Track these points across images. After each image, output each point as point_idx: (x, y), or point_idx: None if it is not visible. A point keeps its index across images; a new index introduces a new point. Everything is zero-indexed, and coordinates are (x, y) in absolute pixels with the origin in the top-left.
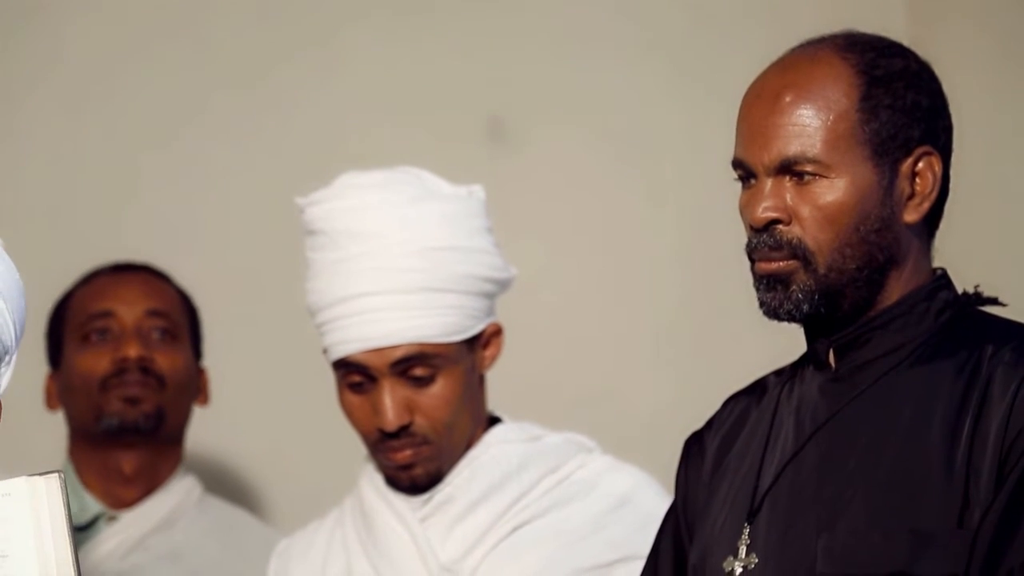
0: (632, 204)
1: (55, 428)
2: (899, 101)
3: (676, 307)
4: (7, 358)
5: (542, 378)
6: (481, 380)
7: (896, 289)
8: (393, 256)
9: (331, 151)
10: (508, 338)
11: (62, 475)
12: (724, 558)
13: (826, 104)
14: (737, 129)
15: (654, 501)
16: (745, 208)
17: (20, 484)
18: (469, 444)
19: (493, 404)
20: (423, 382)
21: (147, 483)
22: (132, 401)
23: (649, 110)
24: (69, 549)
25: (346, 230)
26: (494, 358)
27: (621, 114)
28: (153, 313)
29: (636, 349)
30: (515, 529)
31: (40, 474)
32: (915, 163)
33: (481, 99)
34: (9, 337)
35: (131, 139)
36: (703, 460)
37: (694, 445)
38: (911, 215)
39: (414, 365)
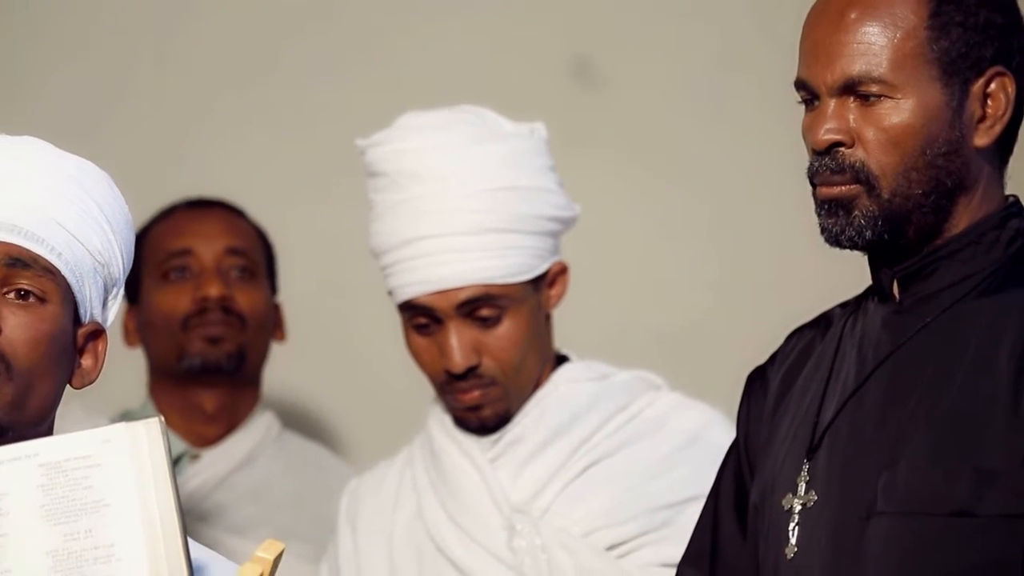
0: (715, 142)
1: (135, 364)
2: (971, 18)
3: (753, 246)
4: (114, 291)
5: (619, 318)
6: (547, 319)
7: (964, 217)
8: (456, 197)
9: (410, 92)
10: (589, 277)
11: (162, 421)
12: (784, 495)
13: (893, 21)
14: (800, 48)
15: (725, 438)
16: (807, 131)
17: (120, 431)
18: (537, 384)
19: (570, 345)
20: (489, 323)
21: (228, 421)
22: (214, 341)
23: (731, 52)
24: (171, 495)
25: (408, 171)
26: (560, 297)
27: (707, 55)
28: (232, 251)
29: (712, 288)
30: (585, 468)
31: (140, 420)
32: (987, 84)
33: (566, 38)
34: (118, 269)
35: (208, 83)
36: (765, 395)
37: (756, 380)
38: (981, 139)
39: (480, 306)
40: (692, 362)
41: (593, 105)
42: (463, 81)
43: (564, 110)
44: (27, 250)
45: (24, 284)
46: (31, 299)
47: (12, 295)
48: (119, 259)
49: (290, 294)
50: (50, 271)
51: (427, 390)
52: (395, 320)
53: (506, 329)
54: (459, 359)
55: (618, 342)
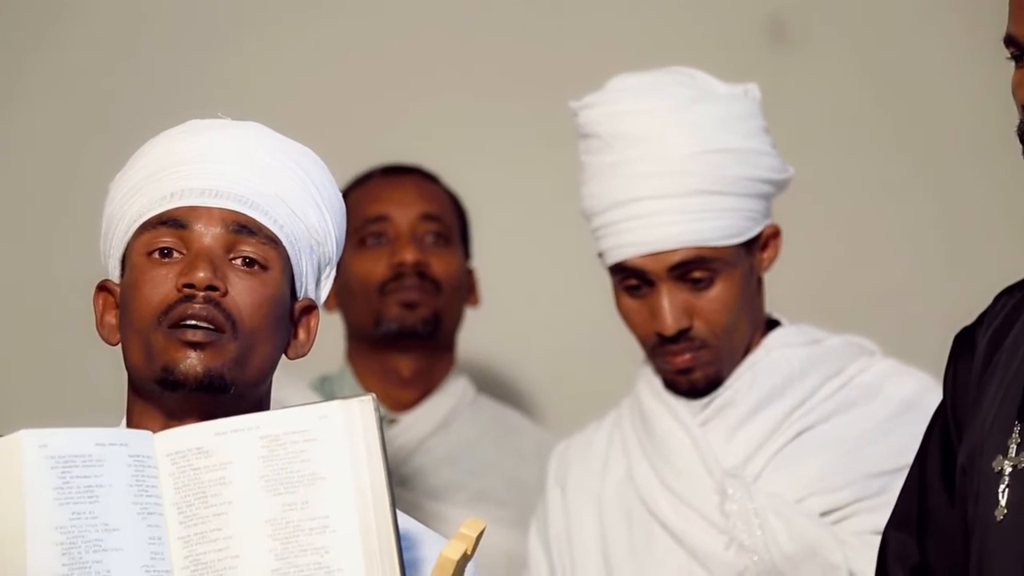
0: (916, 104)
1: (333, 329)
2: None
3: (962, 207)
4: (327, 270)
5: (827, 280)
6: (759, 283)
7: None
8: (669, 159)
9: (609, 55)
10: (792, 239)
11: (375, 398)
12: (993, 457)
13: None
14: (1011, 2)
15: None
16: (1017, 88)
17: (335, 407)
18: (748, 348)
19: (778, 307)
20: (701, 286)
21: (423, 386)
22: (410, 306)
23: (928, 17)
24: (383, 471)
25: (620, 133)
26: (772, 260)
27: (901, 21)
28: (427, 217)
29: (923, 249)
30: (798, 434)
31: (354, 397)
32: None
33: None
34: (331, 249)
35: (407, 52)
36: (973, 357)
37: (964, 342)
38: None
39: (692, 269)
40: (897, 324)
41: (790, 67)
42: (660, 43)
43: (761, 72)
44: (253, 219)
45: (248, 251)
46: (255, 267)
47: (238, 262)
48: (332, 239)
49: (484, 259)
50: (273, 240)
51: (619, 354)
52: (587, 284)
53: (718, 292)
54: (671, 321)
55: (825, 304)
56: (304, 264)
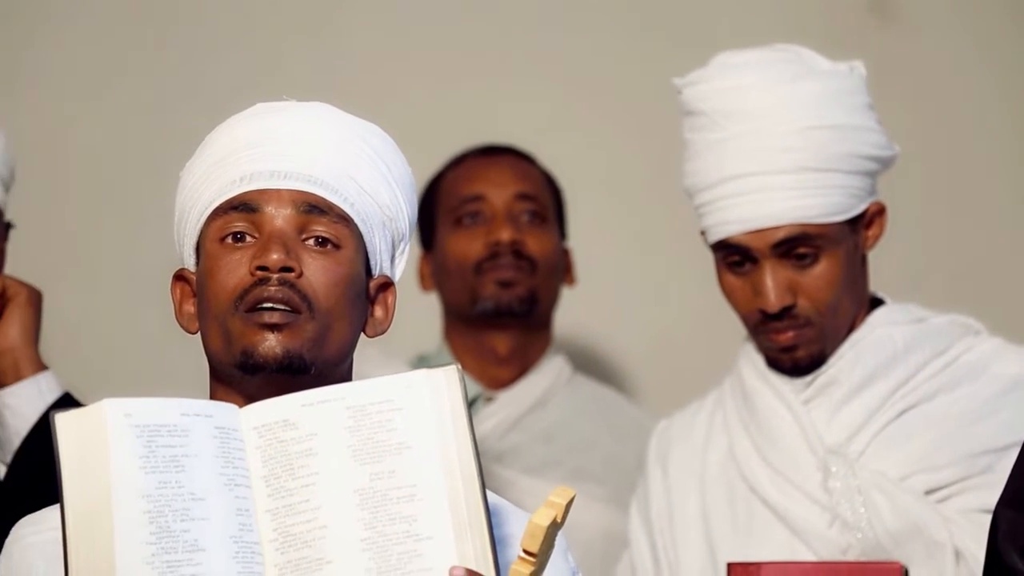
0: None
1: (430, 309)
2: None
3: None
4: (401, 246)
5: (932, 258)
6: (864, 260)
7: None
8: (773, 136)
9: (707, 31)
10: (897, 217)
11: (460, 368)
12: None
13: None
14: None
15: None
16: None
17: (420, 377)
18: (852, 326)
19: (882, 286)
20: (805, 263)
21: (520, 364)
22: (506, 284)
23: None
24: (469, 440)
25: (725, 110)
26: (877, 238)
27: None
28: (522, 196)
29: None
30: (902, 412)
31: (439, 367)
32: None
33: None
34: (404, 225)
35: (503, 31)
36: None
37: None
38: None
39: (796, 246)
40: (1004, 303)
41: (894, 43)
42: (763, 20)
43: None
44: (323, 198)
45: (320, 231)
46: (328, 246)
47: (311, 242)
48: (404, 215)
49: (581, 239)
50: (344, 218)
51: (715, 331)
52: (684, 262)
53: (822, 269)
54: (774, 299)
55: (929, 283)
56: (377, 241)
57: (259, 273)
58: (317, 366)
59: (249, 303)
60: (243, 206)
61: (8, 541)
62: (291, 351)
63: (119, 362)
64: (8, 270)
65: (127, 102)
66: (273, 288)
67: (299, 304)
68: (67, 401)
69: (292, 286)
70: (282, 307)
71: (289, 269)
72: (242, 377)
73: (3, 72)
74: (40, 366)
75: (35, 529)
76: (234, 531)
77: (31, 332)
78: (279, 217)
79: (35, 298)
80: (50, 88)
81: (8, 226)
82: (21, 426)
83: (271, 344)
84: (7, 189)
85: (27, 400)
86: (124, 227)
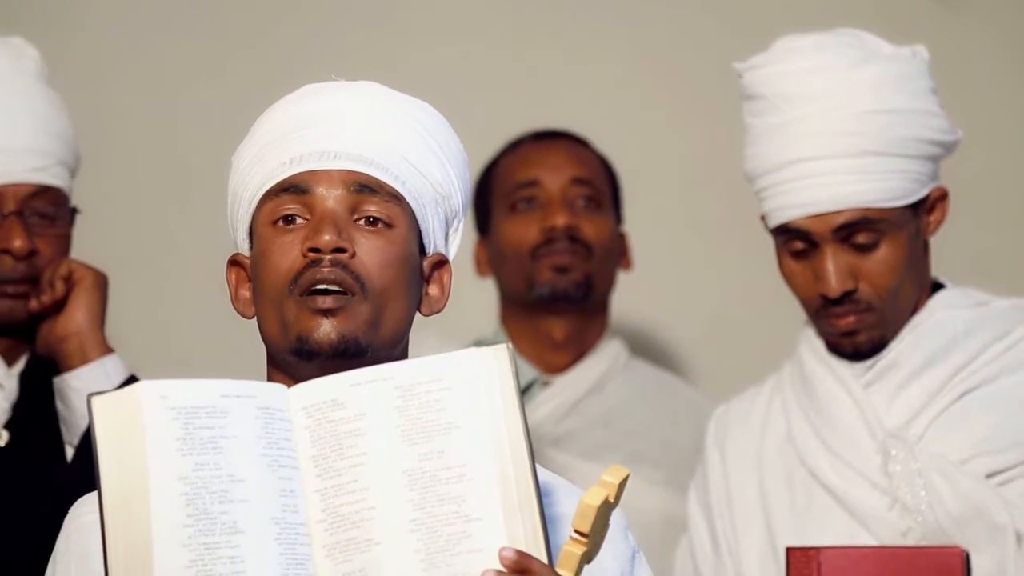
0: None
1: (487, 294)
2: None
3: None
4: (455, 223)
5: (994, 243)
6: (925, 245)
7: None
8: (835, 120)
9: (766, 15)
10: (959, 202)
11: (510, 347)
12: None
13: None
14: None
15: None
16: None
17: (470, 355)
18: (913, 310)
19: (943, 271)
20: (867, 248)
21: (577, 348)
22: (562, 270)
23: None
24: (519, 419)
25: (786, 94)
26: (939, 223)
27: None
28: (578, 181)
29: None
30: (962, 395)
31: (488, 346)
32: None
33: None
34: (457, 202)
35: (559, 16)
36: None
37: None
38: None
39: (858, 231)
40: None
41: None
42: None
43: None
44: (373, 177)
45: (372, 210)
46: (379, 225)
47: (362, 222)
48: (457, 192)
49: (638, 223)
50: (396, 197)
51: (772, 315)
52: (740, 246)
53: (883, 254)
54: (835, 284)
55: (991, 268)
56: (430, 219)
57: (311, 255)
58: (373, 348)
59: (303, 286)
60: (294, 188)
61: (67, 520)
62: (346, 336)
63: (183, 346)
64: (73, 254)
65: (191, 88)
66: (326, 269)
67: (352, 285)
68: (132, 383)
69: (345, 267)
70: (336, 288)
71: (341, 250)
72: (298, 363)
73: (71, 60)
74: (106, 349)
75: (93, 508)
76: (276, 513)
77: (97, 316)
78: (330, 198)
79: (101, 282)
80: (116, 74)
81: (74, 211)
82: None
83: (326, 330)
84: (73, 175)
85: (93, 383)
86: (187, 212)
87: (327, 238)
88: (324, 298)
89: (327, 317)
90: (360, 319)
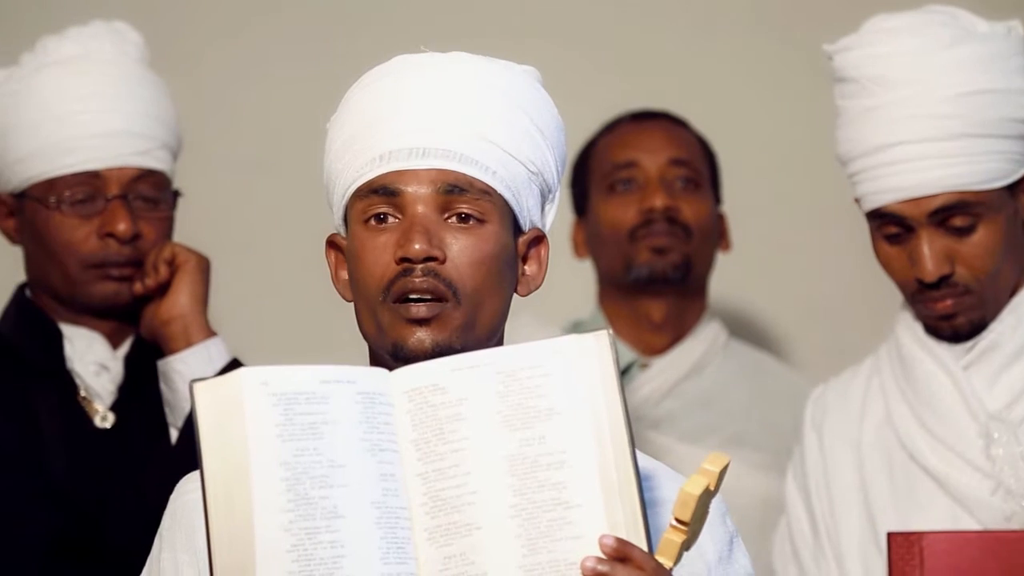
0: None
1: (584, 276)
2: None
3: None
4: (551, 195)
5: None
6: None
7: None
8: (929, 103)
9: None
10: None
11: (610, 332)
12: None
13: None
14: None
15: None
16: None
17: (570, 342)
18: (1013, 291)
19: None
20: (963, 231)
21: (675, 330)
22: (660, 251)
23: None
24: (619, 405)
25: (878, 77)
26: None
27: None
28: (676, 162)
29: None
30: None
31: (589, 332)
32: None
33: None
34: (552, 174)
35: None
36: None
37: None
38: None
39: (954, 214)
40: None
41: None
42: None
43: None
44: (464, 175)
45: (463, 208)
46: (471, 222)
47: (453, 219)
48: (552, 164)
49: (736, 203)
50: (487, 192)
51: (871, 296)
52: (838, 227)
53: (980, 237)
54: (932, 268)
55: None
56: (524, 200)
57: (403, 264)
58: (468, 349)
59: (395, 294)
60: (383, 189)
61: (172, 497)
62: (440, 343)
63: (284, 328)
64: (175, 237)
65: (289, 70)
66: (418, 279)
67: (444, 292)
68: (235, 367)
69: (436, 275)
70: (428, 297)
71: (432, 258)
72: (395, 363)
73: (174, 45)
74: (209, 332)
75: (198, 485)
76: (377, 497)
77: (200, 299)
78: (419, 201)
79: (204, 265)
80: (218, 59)
81: (176, 194)
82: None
83: (420, 338)
84: (175, 158)
85: (197, 366)
86: (288, 194)
87: (417, 247)
88: (417, 307)
89: (421, 326)
90: (453, 325)
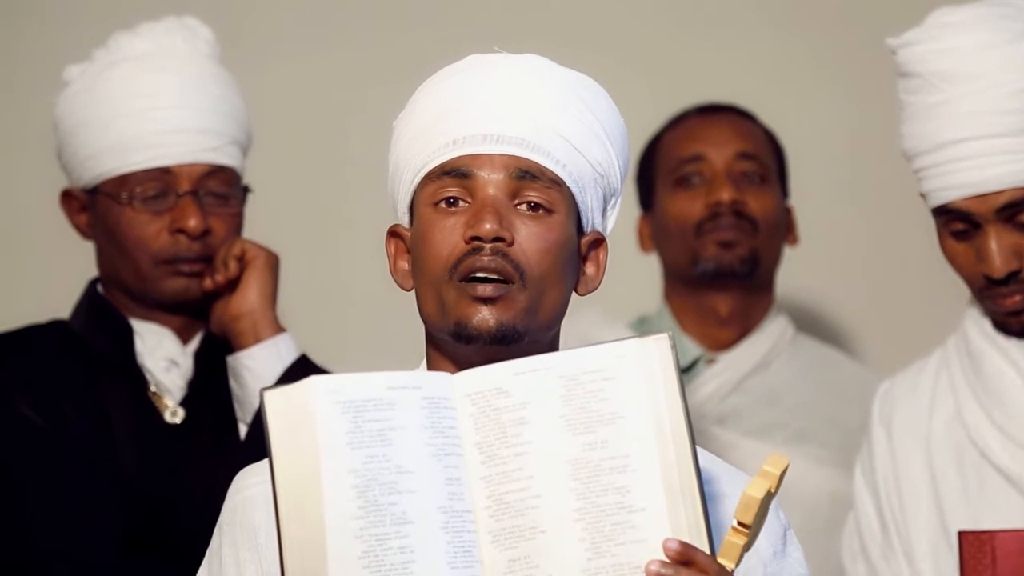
0: None
1: (650, 270)
2: None
3: None
4: (613, 200)
5: None
6: None
7: None
8: (994, 99)
9: None
10: None
11: (671, 336)
12: None
13: None
14: None
15: None
16: None
17: (632, 346)
18: None
19: None
20: None
21: (742, 325)
22: (727, 245)
23: None
24: (681, 408)
25: (943, 72)
26: None
27: None
28: (743, 155)
29: None
30: None
31: (651, 335)
32: None
33: None
34: (615, 180)
35: None
36: None
37: None
38: None
39: (1021, 210)
40: None
41: None
42: None
43: None
44: (535, 163)
45: (533, 196)
46: (540, 211)
47: (523, 207)
48: (616, 170)
49: (803, 197)
50: (556, 183)
51: (940, 290)
52: (905, 220)
53: None
54: (1000, 264)
55: None
56: (589, 200)
57: (472, 243)
58: (530, 334)
59: (463, 273)
60: (455, 172)
61: (231, 491)
62: (504, 324)
63: (352, 325)
64: (245, 234)
65: (357, 64)
66: (486, 258)
67: (512, 274)
68: (303, 363)
69: (505, 255)
70: (495, 277)
71: (501, 239)
72: (455, 345)
73: (243, 40)
74: (278, 328)
75: (257, 480)
76: (443, 501)
77: (269, 295)
78: (491, 184)
79: (273, 261)
80: (286, 54)
81: (246, 190)
82: (260, 387)
83: (484, 317)
84: (245, 154)
85: (266, 362)
86: (358, 191)
87: (488, 227)
88: (484, 286)
89: (486, 305)
90: (518, 307)
